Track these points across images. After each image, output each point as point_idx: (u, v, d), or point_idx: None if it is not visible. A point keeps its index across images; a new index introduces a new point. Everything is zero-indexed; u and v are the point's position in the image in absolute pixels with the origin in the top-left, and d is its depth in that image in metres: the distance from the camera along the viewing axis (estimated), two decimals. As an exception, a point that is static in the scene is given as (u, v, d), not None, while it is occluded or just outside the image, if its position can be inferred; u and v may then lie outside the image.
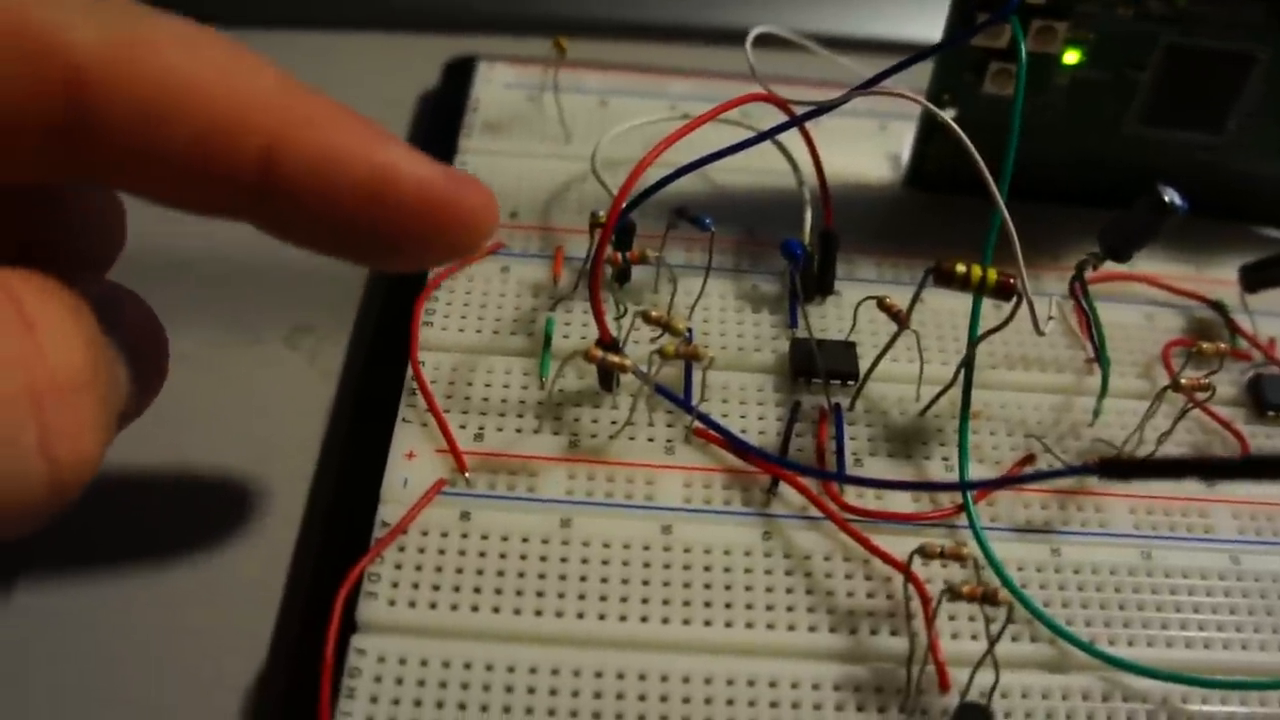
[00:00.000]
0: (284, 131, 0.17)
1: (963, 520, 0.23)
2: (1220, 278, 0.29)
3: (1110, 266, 0.28)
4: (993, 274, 0.22)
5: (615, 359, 0.22)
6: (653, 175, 0.24)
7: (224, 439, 0.25)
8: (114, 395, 0.19)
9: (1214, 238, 0.30)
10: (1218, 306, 0.28)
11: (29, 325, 0.16)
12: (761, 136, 0.25)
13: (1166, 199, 0.22)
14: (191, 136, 0.17)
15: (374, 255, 0.20)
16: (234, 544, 0.24)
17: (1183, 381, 0.23)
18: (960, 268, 0.22)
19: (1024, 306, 0.23)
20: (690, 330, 0.26)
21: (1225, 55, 0.28)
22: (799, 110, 0.25)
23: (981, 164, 0.23)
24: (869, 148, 0.32)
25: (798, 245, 0.25)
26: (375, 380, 0.26)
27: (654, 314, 0.23)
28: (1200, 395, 0.24)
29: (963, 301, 0.25)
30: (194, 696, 0.22)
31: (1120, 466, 0.19)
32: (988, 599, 0.20)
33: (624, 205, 0.24)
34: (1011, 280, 0.22)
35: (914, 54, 0.25)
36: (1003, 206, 0.23)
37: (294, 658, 0.22)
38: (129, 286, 0.21)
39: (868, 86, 0.25)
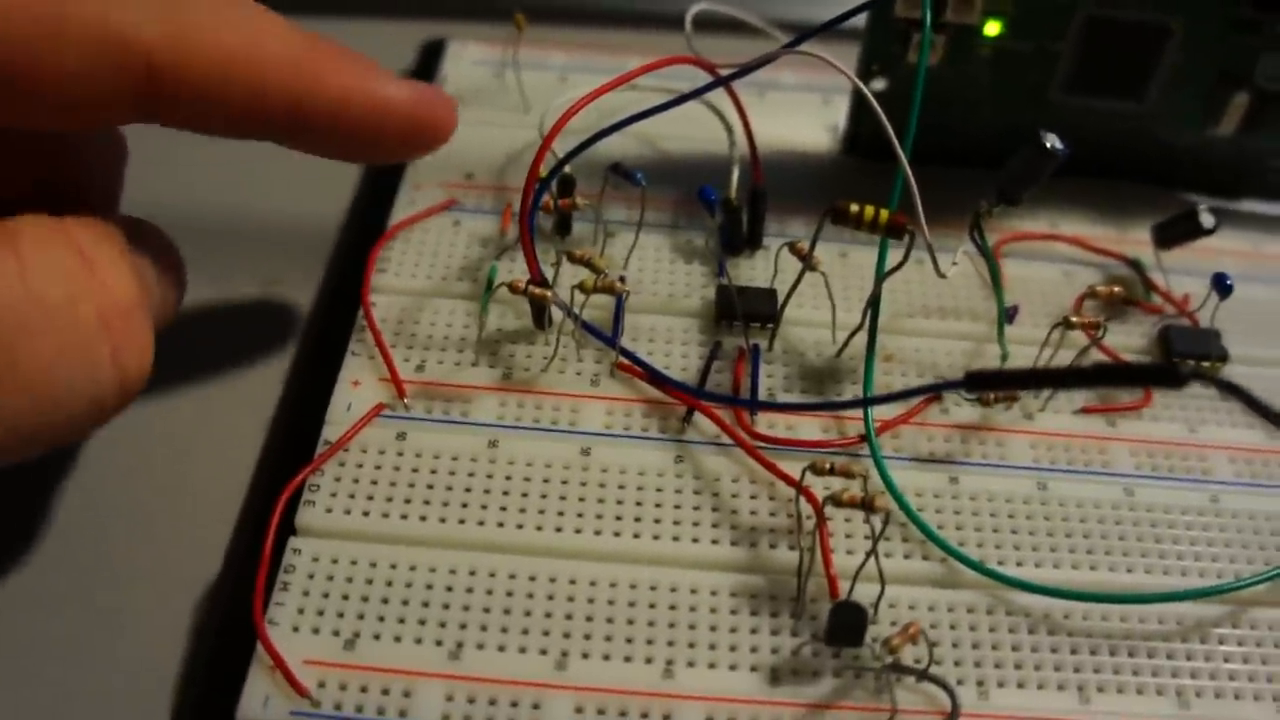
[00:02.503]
0: (305, 85, 0.22)
1: (866, 450, 0.25)
2: (1141, 239, 0.30)
3: (1033, 227, 0.30)
4: (884, 213, 0.24)
5: (537, 290, 0.24)
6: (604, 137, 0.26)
7: (198, 379, 0.28)
8: (154, 307, 0.23)
9: (1137, 202, 0.31)
10: (1134, 264, 0.30)
11: (90, 263, 0.21)
12: (687, 96, 0.27)
13: (1048, 144, 0.24)
14: (237, 96, 0.22)
15: (371, 156, 0.26)
16: (200, 468, 0.26)
17: (1073, 319, 0.25)
18: (854, 207, 0.24)
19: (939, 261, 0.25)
20: (624, 277, 0.28)
21: (1142, 26, 0.29)
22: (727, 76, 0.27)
23: (887, 124, 0.25)
24: (811, 119, 0.33)
25: (711, 191, 0.27)
26: (333, 320, 0.28)
27: (578, 253, 0.25)
28: (1093, 332, 0.25)
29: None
30: (153, 600, 0.24)
31: (983, 378, 0.20)
32: (866, 505, 0.22)
33: (561, 157, 0.26)
34: (902, 219, 0.24)
35: (831, 20, 0.27)
36: (905, 161, 0.25)
37: (241, 562, 0.24)
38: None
39: (790, 47, 0.26)
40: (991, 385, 0.20)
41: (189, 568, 0.24)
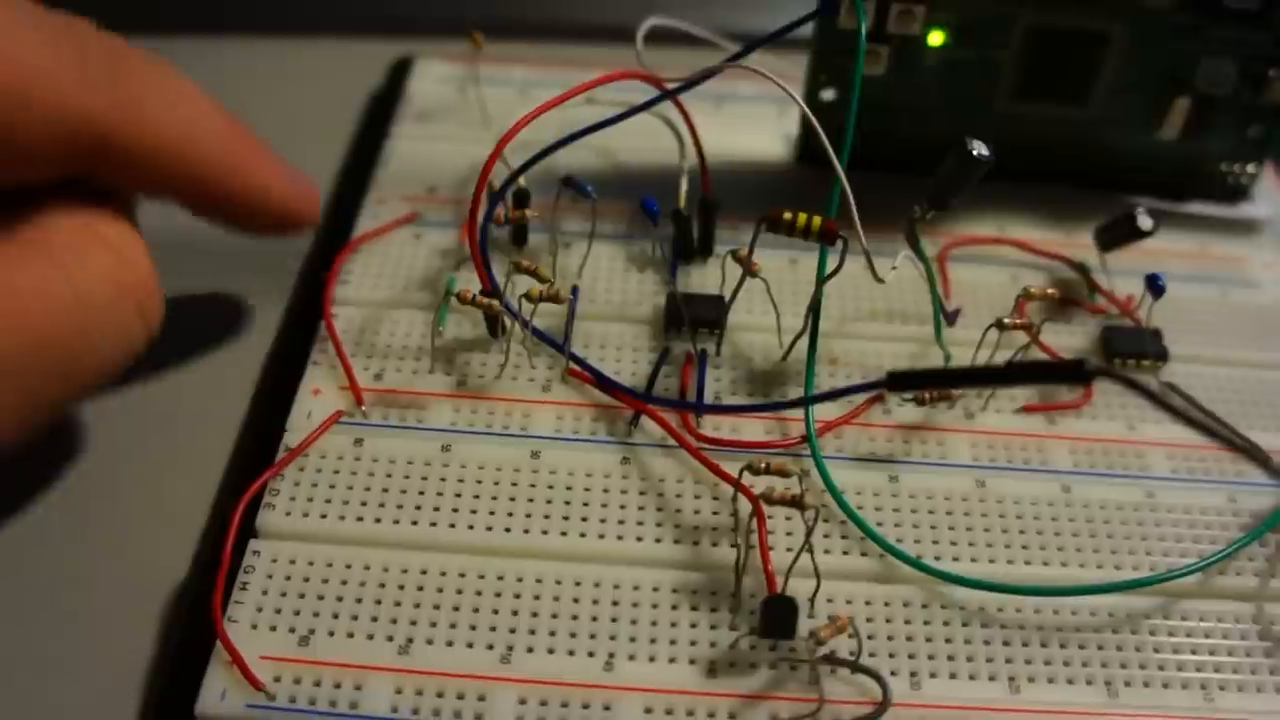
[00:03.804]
0: (228, 173, 0.26)
1: (808, 450, 0.26)
2: (1088, 242, 0.31)
3: (980, 231, 0.31)
4: (817, 220, 0.24)
5: (484, 300, 0.25)
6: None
7: (169, 387, 0.29)
8: None
9: (1084, 205, 0.32)
10: (1080, 267, 0.30)
11: (115, 249, 0.24)
12: (634, 110, 0.28)
13: (974, 151, 0.25)
14: (169, 175, 0.25)
15: (251, 232, 0.28)
16: (170, 477, 0.27)
17: (1005, 320, 0.26)
18: (787, 215, 0.25)
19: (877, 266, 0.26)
20: (576, 287, 0.29)
21: (1082, 34, 0.30)
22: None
23: (822, 133, 0.26)
24: (767, 129, 0.34)
25: (654, 203, 0.28)
26: (299, 331, 0.29)
27: (524, 263, 0.26)
28: (1030, 332, 0.26)
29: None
30: (124, 603, 0.25)
31: (904, 377, 0.21)
32: (796, 503, 0.22)
33: (515, 170, 0.27)
34: (833, 226, 0.24)
35: (773, 33, 0.27)
36: (841, 172, 0.26)
37: (207, 564, 0.25)
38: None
39: (732, 61, 0.27)
40: (912, 384, 0.21)
41: (158, 570, 0.25)
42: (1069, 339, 0.29)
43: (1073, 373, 0.19)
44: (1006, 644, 0.23)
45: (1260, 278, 0.31)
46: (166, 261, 0.31)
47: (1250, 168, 0.32)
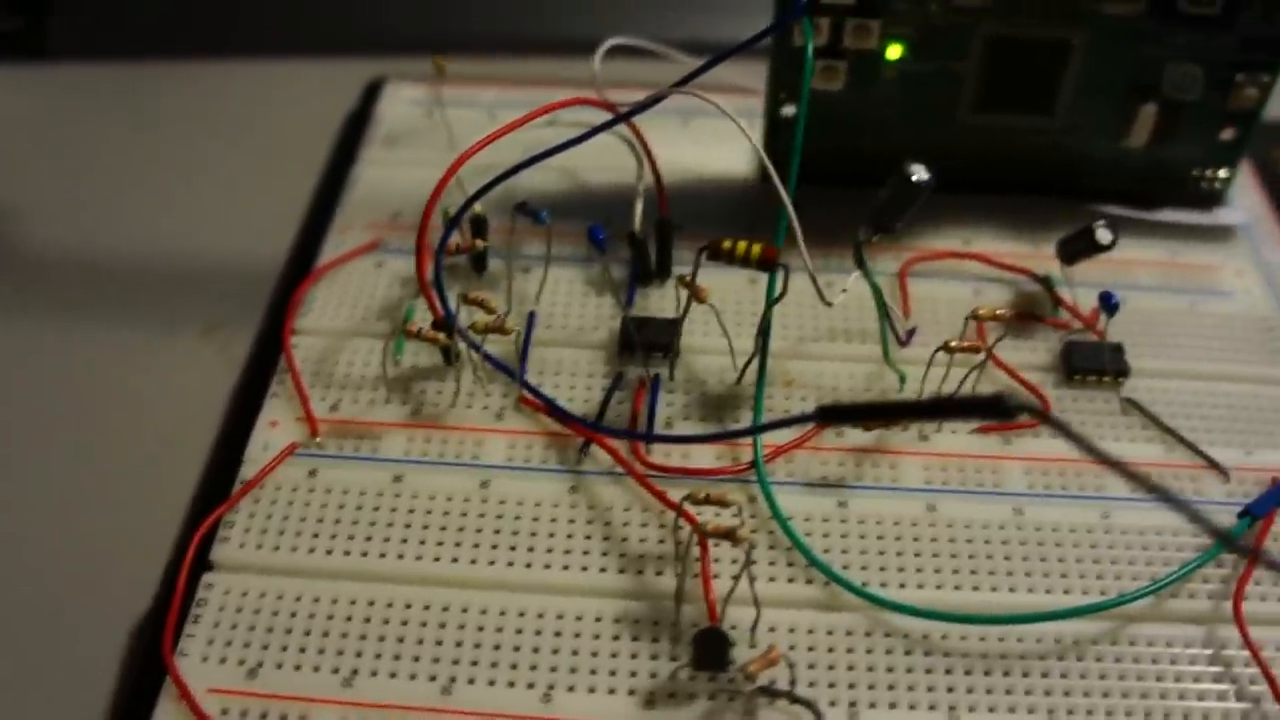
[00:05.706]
0: None
1: (754, 476, 0.26)
2: (1054, 254, 0.30)
3: (945, 245, 0.31)
4: (756, 248, 0.24)
5: (430, 333, 0.26)
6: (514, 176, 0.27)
7: (138, 421, 0.29)
8: None
9: (1052, 216, 0.31)
10: (1044, 280, 0.30)
11: None
12: (585, 135, 0.28)
13: (913, 176, 0.24)
14: None
15: None
16: (137, 510, 0.27)
17: (951, 344, 0.25)
18: (726, 244, 0.24)
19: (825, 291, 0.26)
20: (533, 313, 0.29)
21: (1043, 43, 0.29)
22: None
23: (765, 157, 0.26)
24: (736, 144, 0.34)
25: (599, 230, 0.28)
26: (263, 362, 0.29)
27: (472, 295, 0.26)
28: (976, 355, 0.26)
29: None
30: (88, 635, 0.25)
31: (834, 411, 0.21)
32: (728, 536, 0.22)
33: (470, 194, 0.27)
34: (773, 253, 0.24)
35: (715, 58, 0.27)
36: (786, 199, 0.26)
37: (163, 598, 0.25)
38: (54, 288, 0.28)
39: (679, 86, 0.27)
40: (842, 418, 0.21)
41: (122, 603, 0.26)
42: (1030, 355, 0.29)
43: (994, 409, 0.19)
44: (948, 672, 0.23)
45: (1231, 286, 0.31)
46: (138, 290, 0.32)
47: (1222, 173, 0.32)
